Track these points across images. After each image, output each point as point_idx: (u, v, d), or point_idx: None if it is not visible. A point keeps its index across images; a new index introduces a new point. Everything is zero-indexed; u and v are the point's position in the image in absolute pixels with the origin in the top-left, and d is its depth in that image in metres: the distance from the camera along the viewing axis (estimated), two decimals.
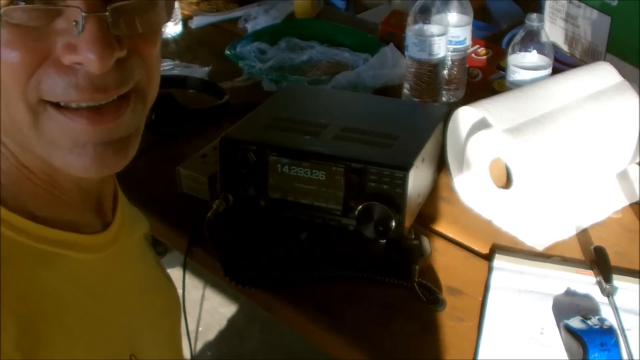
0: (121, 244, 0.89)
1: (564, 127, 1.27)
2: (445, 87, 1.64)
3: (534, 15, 1.50)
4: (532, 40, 1.51)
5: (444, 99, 1.64)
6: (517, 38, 1.53)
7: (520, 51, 1.53)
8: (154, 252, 1.07)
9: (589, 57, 1.70)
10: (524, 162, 1.21)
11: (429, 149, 1.26)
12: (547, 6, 1.80)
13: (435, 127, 1.31)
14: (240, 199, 1.23)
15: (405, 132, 1.28)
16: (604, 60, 1.61)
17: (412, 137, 1.26)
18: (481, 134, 1.26)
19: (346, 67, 1.79)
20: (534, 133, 1.22)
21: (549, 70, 1.52)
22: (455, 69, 1.65)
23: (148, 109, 0.81)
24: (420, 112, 1.46)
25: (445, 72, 1.63)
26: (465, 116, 1.31)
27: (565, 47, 1.78)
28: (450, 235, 1.26)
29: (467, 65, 1.70)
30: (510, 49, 1.54)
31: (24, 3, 0.65)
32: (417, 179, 1.19)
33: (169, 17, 0.77)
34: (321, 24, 2.08)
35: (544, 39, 1.52)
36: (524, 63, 1.52)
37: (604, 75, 1.41)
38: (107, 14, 0.68)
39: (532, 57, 1.52)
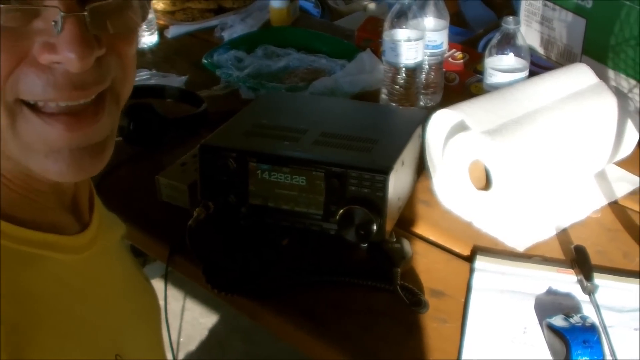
0: (101, 245, 0.89)
1: (542, 128, 1.27)
2: (423, 91, 1.64)
3: (510, 18, 1.51)
4: (508, 43, 1.52)
5: (421, 103, 1.64)
6: (494, 41, 1.54)
7: (497, 54, 1.53)
8: (132, 254, 1.07)
9: (565, 59, 1.72)
10: (502, 163, 1.21)
11: (408, 153, 1.26)
12: (523, 9, 1.81)
13: (413, 130, 1.31)
14: (221, 206, 1.23)
15: (384, 136, 1.28)
16: (580, 62, 1.62)
17: (391, 141, 1.26)
18: (460, 137, 1.26)
19: (323, 74, 1.79)
20: (512, 134, 1.23)
21: (526, 73, 1.53)
22: (432, 73, 1.65)
23: (121, 109, 0.81)
24: (399, 116, 1.47)
25: (423, 76, 1.63)
26: (443, 119, 1.31)
27: (541, 50, 1.79)
28: (431, 237, 1.26)
29: (444, 70, 1.71)
30: (487, 52, 1.55)
31: (1, 4, 0.65)
32: (398, 183, 1.20)
33: (144, 17, 0.78)
34: (297, 31, 2.08)
35: (520, 41, 1.53)
36: (501, 66, 1.53)
37: (580, 76, 1.42)
38: (85, 13, 0.68)
39: (509, 59, 1.53)
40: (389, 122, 1.42)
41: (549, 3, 1.73)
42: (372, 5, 2.50)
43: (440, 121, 1.32)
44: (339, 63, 1.84)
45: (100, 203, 0.97)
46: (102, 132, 0.76)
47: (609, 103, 1.36)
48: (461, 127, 1.28)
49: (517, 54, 1.53)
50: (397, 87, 1.56)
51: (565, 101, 1.34)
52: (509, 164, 1.21)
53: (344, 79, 1.71)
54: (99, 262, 0.89)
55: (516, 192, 1.22)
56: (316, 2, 2.50)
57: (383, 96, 1.60)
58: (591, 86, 1.40)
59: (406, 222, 1.29)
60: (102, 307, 0.87)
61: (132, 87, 0.81)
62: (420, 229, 1.29)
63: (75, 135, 0.73)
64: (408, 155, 1.27)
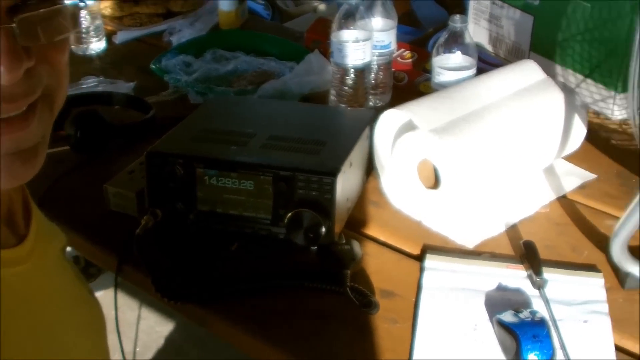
0: (38, 257, 0.87)
1: (490, 125, 1.28)
2: (372, 91, 1.64)
3: (457, 17, 1.51)
4: (455, 41, 1.53)
5: (370, 103, 1.64)
6: (441, 40, 1.54)
7: (444, 53, 1.54)
8: (74, 265, 1.05)
9: (513, 56, 1.73)
10: (450, 161, 1.21)
11: (356, 154, 1.26)
12: (471, 7, 1.82)
13: (362, 131, 1.31)
14: (169, 214, 1.21)
15: (332, 138, 1.27)
16: (528, 58, 1.62)
17: (339, 143, 1.26)
18: (408, 136, 1.26)
19: (272, 76, 1.78)
20: (460, 132, 1.23)
21: (474, 71, 1.53)
22: (381, 73, 1.65)
23: (55, 116, 0.79)
24: (347, 117, 1.47)
25: (372, 76, 1.62)
26: (391, 119, 1.31)
27: (489, 47, 1.80)
28: (381, 238, 1.26)
29: (393, 69, 1.71)
30: (434, 51, 1.55)
31: None
32: (346, 184, 1.19)
33: (75, 26, 0.76)
34: (246, 34, 2.07)
35: (467, 40, 1.53)
36: (448, 64, 1.53)
37: (528, 72, 1.43)
38: (14, 25, 0.66)
39: (456, 58, 1.53)
40: (338, 123, 1.42)
41: (497, 1, 1.74)
42: (322, 7, 2.50)
43: (388, 121, 1.31)
44: (288, 65, 1.83)
45: (40, 214, 0.95)
46: (32, 137, 0.75)
47: (557, 98, 1.37)
48: (409, 127, 1.28)
49: (465, 52, 1.53)
50: (346, 88, 1.56)
51: (513, 98, 1.35)
52: (457, 162, 1.21)
53: (293, 80, 1.70)
54: (37, 275, 0.87)
55: (465, 190, 1.22)
56: (266, 4, 2.49)
57: (332, 97, 1.60)
58: (539, 82, 1.41)
59: (356, 223, 1.29)
60: (42, 321, 0.85)
61: (66, 93, 0.79)
62: (370, 229, 1.28)
63: (5, 139, 0.71)
64: (356, 157, 1.26)
